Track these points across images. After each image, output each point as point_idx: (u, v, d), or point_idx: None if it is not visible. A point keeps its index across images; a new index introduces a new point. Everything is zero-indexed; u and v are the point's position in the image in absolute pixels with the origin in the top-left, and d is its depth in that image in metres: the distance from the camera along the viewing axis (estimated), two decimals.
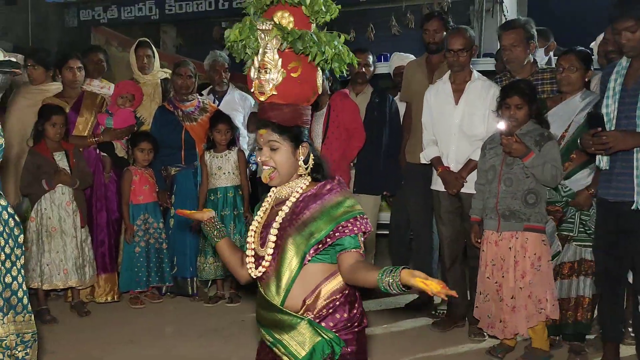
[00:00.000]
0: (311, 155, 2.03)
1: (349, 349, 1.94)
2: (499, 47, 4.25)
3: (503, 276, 3.28)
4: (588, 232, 3.23)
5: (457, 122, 3.71)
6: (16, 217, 2.38)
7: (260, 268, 1.99)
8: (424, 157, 3.87)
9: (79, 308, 4.05)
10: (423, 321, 3.91)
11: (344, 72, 2.05)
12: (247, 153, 4.64)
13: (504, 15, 9.95)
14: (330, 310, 1.96)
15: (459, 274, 3.82)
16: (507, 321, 3.28)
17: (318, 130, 4.11)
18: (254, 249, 2.04)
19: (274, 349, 1.99)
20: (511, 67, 3.69)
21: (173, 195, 4.37)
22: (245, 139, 4.76)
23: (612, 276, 3.08)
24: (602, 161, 2.96)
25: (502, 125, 3.26)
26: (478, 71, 3.91)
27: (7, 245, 2.30)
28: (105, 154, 4.29)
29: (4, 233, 2.30)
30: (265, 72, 1.95)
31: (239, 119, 4.67)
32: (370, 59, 4.46)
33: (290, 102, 1.99)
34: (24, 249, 2.42)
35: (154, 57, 4.84)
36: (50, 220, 3.88)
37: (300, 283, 1.95)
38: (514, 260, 3.25)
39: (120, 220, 4.32)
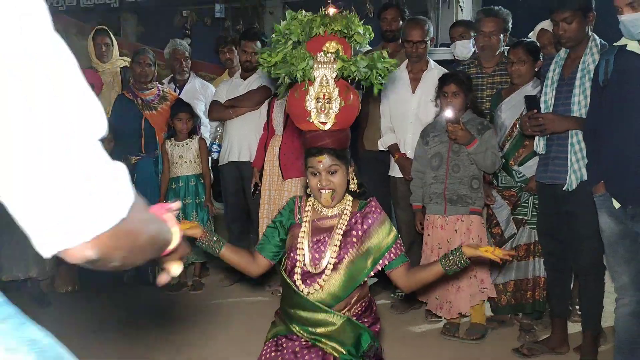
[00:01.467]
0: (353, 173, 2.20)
1: (378, 342, 2.21)
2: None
3: None
4: None
5: (414, 110, 3.76)
6: None
7: (315, 286, 2.13)
8: (382, 144, 3.90)
9: (40, 299, 3.97)
10: (381, 303, 3.96)
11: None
12: (208, 141, 4.60)
13: (460, 7, 10.06)
14: (361, 310, 2.19)
15: (417, 255, 3.87)
16: (452, 302, 3.39)
17: (279, 118, 4.08)
18: (303, 267, 2.15)
19: (317, 344, 2.15)
20: (484, 54, 3.71)
21: (134, 184, 4.28)
22: (207, 128, 4.72)
23: (555, 257, 3.18)
24: (539, 146, 3.05)
25: (449, 113, 3.32)
26: (435, 60, 3.97)
27: None
28: None
29: None
30: (327, 102, 2.02)
31: (201, 108, 4.63)
32: None
33: (344, 127, 2.11)
34: None
35: (113, 45, 4.73)
36: None
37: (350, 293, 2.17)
38: (460, 243, 3.33)
39: None
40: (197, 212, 4.21)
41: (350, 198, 2.22)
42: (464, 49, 4.09)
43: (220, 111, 4.31)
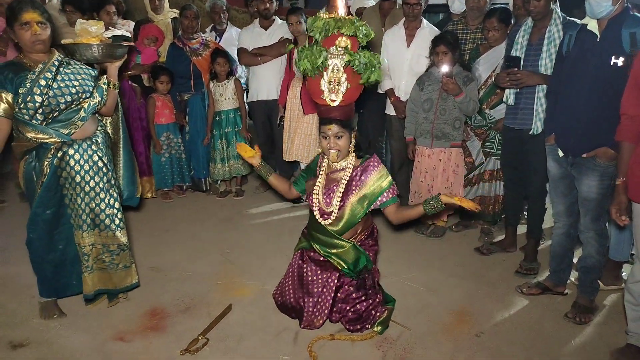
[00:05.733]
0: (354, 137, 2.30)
1: (372, 264, 2.42)
2: None
3: (433, 179, 3.46)
4: None
5: (408, 62, 3.64)
6: (105, 159, 2.40)
7: (327, 221, 2.31)
8: (381, 88, 3.82)
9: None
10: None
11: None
12: (243, 80, 4.53)
13: None
14: (364, 237, 2.39)
15: (405, 175, 3.95)
16: None
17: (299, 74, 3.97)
18: (319, 205, 2.32)
19: (329, 259, 2.34)
20: (472, 13, 3.52)
21: (187, 116, 4.30)
22: (242, 68, 4.60)
23: (513, 182, 3.23)
24: (510, 98, 2.98)
25: (445, 69, 3.23)
26: (430, 4, 3.78)
27: (92, 180, 2.37)
28: (135, 85, 4.14)
29: (91, 170, 2.37)
30: (337, 85, 2.04)
31: (236, 53, 4.48)
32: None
33: (349, 103, 2.14)
34: (113, 182, 2.46)
35: None
36: None
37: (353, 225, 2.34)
38: (442, 168, 3.42)
39: (150, 135, 4.28)
40: (236, 138, 4.24)
41: (354, 155, 2.29)
42: (460, 4, 3.81)
43: (249, 58, 4.19)
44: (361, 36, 2.03)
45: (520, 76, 2.80)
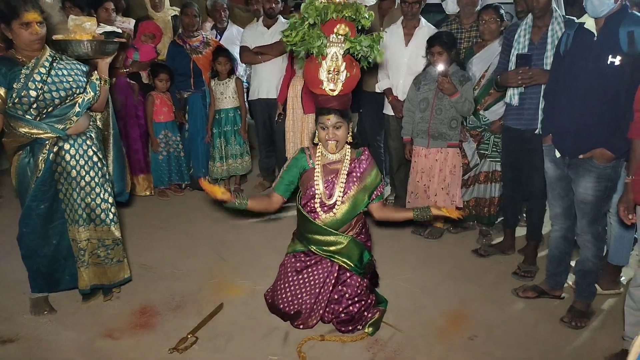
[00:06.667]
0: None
1: (372, 255, 2.41)
2: None
3: (430, 180, 3.41)
4: (498, 151, 3.27)
5: (406, 61, 3.59)
6: (99, 154, 2.40)
7: (330, 213, 2.26)
8: (379, 87, 3.78)
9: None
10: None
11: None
12: (244, 78, 4.50)
13: None
14: (359, 230, 2.35)
15: (403, 175, 3.89)
16: None
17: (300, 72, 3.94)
18: (321, 199, 2.27)
19: (332, 259, 2.29)
20: (466, 9, 3.49)
21: (186, 114, 4.27)
22: (242, 66, 4.59)
23: (514, 183, 3.17)
24: (513, 99, 2.90)
25: (440, 68, 3.18)
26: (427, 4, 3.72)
27: (87, 175, 2.37)
28: (133, 82, 4.12)
29: (86, 165, 2.37)
30: (336, 74, 2.02)
31: (237, 51, 4.45)
32: None
33: (348, 92, 2.11)
34: (108, 177, 2.46)
35: None
36: None
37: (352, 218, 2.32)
38: (439, 169, 3.36)
39: (148, 133, 4.26)
40: (235, 137, 4.22)
41: (349, 147, 2.27)
42: (453, 4, 3.77)
43: (251, 57, 4.17)
44: (366, 17, 1.99)
45: (532, 74, 2.72)
